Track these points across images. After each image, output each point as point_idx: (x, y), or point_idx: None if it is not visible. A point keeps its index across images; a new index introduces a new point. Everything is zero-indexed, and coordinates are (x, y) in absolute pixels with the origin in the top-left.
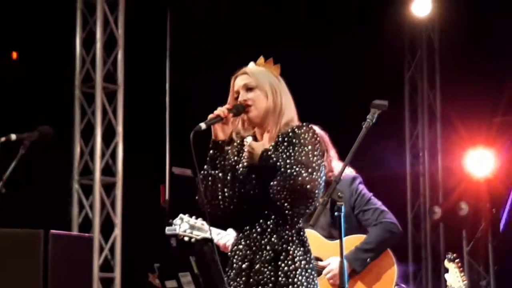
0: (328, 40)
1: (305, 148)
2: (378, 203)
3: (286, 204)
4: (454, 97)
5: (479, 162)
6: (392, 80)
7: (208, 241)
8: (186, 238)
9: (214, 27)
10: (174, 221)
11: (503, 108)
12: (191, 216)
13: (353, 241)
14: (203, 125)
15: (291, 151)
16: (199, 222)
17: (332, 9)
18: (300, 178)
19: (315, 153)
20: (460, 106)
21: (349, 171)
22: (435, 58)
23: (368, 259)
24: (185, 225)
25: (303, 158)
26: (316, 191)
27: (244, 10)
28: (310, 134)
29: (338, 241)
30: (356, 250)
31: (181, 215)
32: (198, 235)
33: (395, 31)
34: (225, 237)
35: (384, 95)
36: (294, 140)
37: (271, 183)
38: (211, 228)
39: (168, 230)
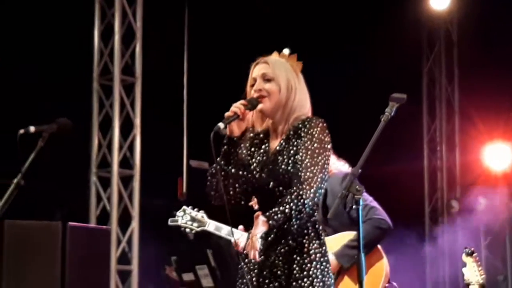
0: (346, 33)
1: (311, 146)
2: (369, 199)
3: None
4: (472, 91)
5: (497, 156)
6: (410, 73)
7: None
8: (187, 230)
9: (232, 19)
10: (178, 212)
11: None
12: (193, 209)
13: (344, 237)
14: (221, 125)
15: (299, 146)
16: (200, 214)
17: (351, 1)
18: (305, 202)
19: (321, 151)
20: (479, 99)
21: (345, 168)
22: (453, 51)
23: (356, 256)
24: (186, 217)
25: (307, 163)
26: (319, 196)
27: (261, 2)
28: (319, 129)
29: (333, 236)
30: (344, 247)
31: (184, 207)
32: (197, 227)
33: (414, 25)
34: (237, 234)
35: (402, 88)
36: (303, 134)
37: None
38: (213, 221)
39: (171, 221)
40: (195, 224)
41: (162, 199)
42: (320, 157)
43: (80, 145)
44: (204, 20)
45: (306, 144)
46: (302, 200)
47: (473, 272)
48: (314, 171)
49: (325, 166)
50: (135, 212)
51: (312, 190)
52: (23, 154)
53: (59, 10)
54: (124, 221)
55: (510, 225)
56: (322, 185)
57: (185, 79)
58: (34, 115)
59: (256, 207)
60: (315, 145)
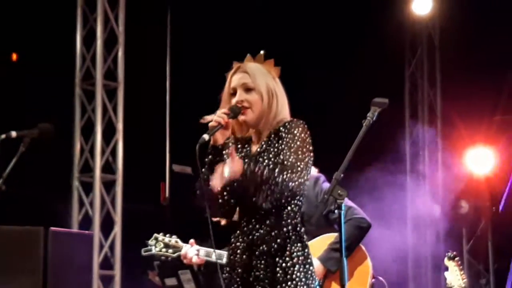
0: (329, 39)
1: (294, 144)
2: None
3: (269, 204)
4: (454, 95)
5: (479, 160)
6: (392, 78)
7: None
8: (163, 258)
9: (214, 24)
10: (149, 241)
11: (503, 106)
12: (165, 235)
13: (325, 241)
14: (206, 137)
15: (281, 146)
16: (174, 240)
17: (333, 6)
18: (289, 185)
19: (304, 149)
20: (460, 104)
21: (312, 170)
22: (436, 56)
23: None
24: (160, 245)
25: (292, 159)
26: (301, 192)
27: (245, 7)
28: (300, 129)
29: (314, 240)
30: (328, 250)
31: (155, 234)
32: (173, 253)
33: (396, 29)
34: (185, 248)
35: (385, 93)
36: (284, 135)
37: (262, 189)
38: (188, 245)
39: (144, 251)
40: (170, 251)
41: (144, 204)
42: (304, 155)
43: (62, 150)
44: (186, 25)
45: (289, 144)
46: (284, 173)
47: (455, 276)
48: (301, 165)
49: (309, 164)
50: (117, 217)
51: (296, 175)
52: (4, 159)
53: (41, 15)
54: (107, 226)
55: (492, 229)
56: (305, 180)
57: (168, 84)
58: (16, 120)
59: (223, 222)
60: (298, 143)
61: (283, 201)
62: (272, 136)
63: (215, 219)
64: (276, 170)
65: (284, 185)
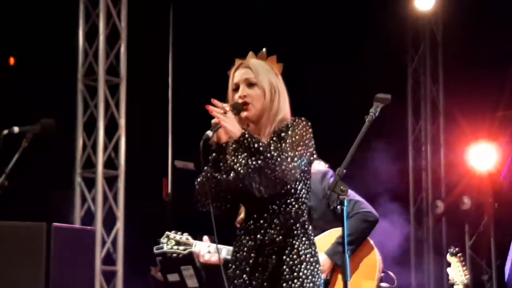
0: (331, 35)
1: (292, 139)
2: (352, 194)
3: (258, 189)
4: (457, 92)
5: (481, 156)
6: (395, 74)
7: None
8: (174, 255)
9: (216, 20)
10: (161, 239)
11: (506, 102)
12: (176, 232)
13: (332, 235)
14: (210, 133)
15: (282, 143)
16: (185, 237)
17: (336, 3)
18: (282, 164)
19: (301, 143)
20: (463, 100)
21: (321, 166)
22: (438, 52)
23: (348, 252)
24: (171, 242)
25: (288, 148)
26: (291, 179)
27: (247, 5)
28: (300, 126)
29: (321, 235)
30: (336, 244)
31: (167, 232)
32: (184, 250)
33: (398, 25)
34: (198, 246)
35: (387, 89)
36: (284, 134)
37: (250, 171)
38: (198, 242)
39: (156, 249)
40: (181, 248)
41: (147, 199)
42: (299, 148)
43: (65, 145)
44: (189, 20)
45: (287, 139)
46: (280, 154)
47: (457, 272)
48: (295, 155)
49: (303, 158)
50: (120, 212)
51: (290, 160)
52: (6, 155)
53: (44, 10)
54: (109, 221)
55: (495, 225)
56: (297, 171)
57: (170, 80)
58: (17, 116)
59: (238, 225)
60: (296, 137)
61: (273, 184)
62: (275, 137)
63: (239, 225)
64: (272, 146)
65: (278, 162)
